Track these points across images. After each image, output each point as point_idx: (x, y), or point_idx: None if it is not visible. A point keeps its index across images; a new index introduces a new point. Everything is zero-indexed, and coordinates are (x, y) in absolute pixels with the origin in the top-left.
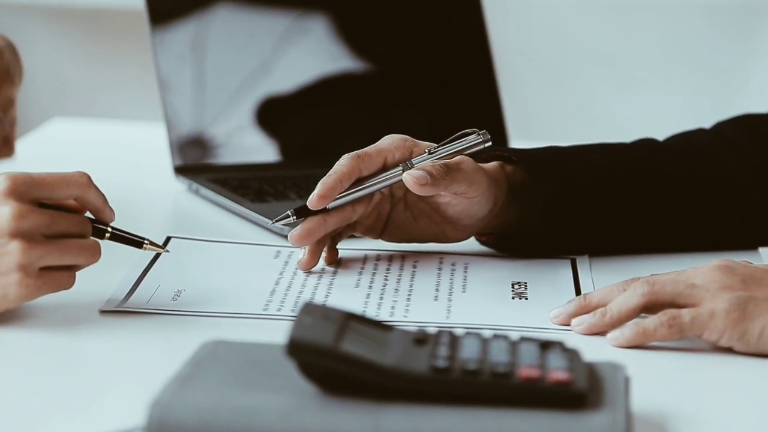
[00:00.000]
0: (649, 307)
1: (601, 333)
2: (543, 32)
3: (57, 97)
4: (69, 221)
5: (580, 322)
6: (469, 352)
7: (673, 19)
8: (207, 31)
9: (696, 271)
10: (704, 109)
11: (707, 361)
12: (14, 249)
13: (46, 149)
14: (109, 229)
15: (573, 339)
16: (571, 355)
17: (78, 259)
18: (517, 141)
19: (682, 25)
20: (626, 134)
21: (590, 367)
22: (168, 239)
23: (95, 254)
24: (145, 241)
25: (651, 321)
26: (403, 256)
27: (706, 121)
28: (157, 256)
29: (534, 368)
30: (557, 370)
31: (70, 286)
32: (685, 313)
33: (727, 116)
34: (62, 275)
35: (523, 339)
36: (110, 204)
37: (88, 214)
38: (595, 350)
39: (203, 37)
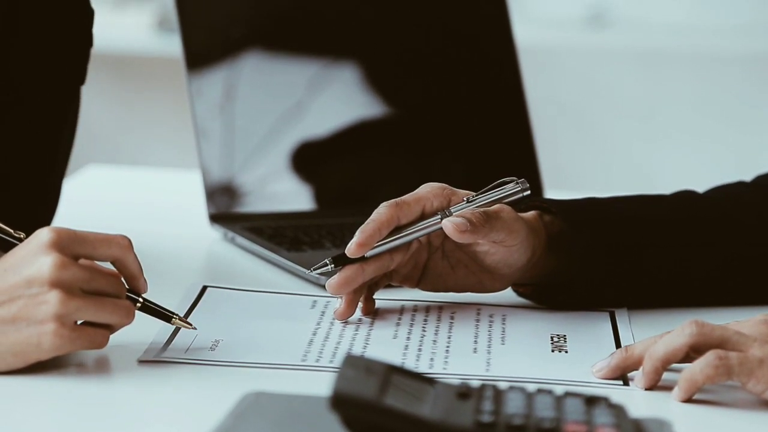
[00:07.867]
0: (696, 349)
1: (653, 380)
2: (577, 83)
3: (90, 144)
4: (107, 280)
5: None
6: (513, 406)
7: (706, 71)
8: (238, 78)
9: (741, 324)
10: (737, 160)
11: (753, 418)
12: (52, 298)
13: (81, 196)
14: (141, 300)
15: (617, 394)
16: (618, 410)
17: (113, 318)
18: (552, 191)
19: (714, 77)
20: (658, 185)
21: (637, 424)
22: (204, 288)
23: (129, 315)
24: (174, 316)
25: (696, 363)
26: (441, 307)
27: (740, 172)
28: (194, 305)
29: (580, 424)
30: (604, 427)
31: (103, 346)
32: (734, 356)
33: (763, 168)
34: (96, 333)
35: (568, 394)
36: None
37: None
38: (639, 405)
39: (235, 84)
